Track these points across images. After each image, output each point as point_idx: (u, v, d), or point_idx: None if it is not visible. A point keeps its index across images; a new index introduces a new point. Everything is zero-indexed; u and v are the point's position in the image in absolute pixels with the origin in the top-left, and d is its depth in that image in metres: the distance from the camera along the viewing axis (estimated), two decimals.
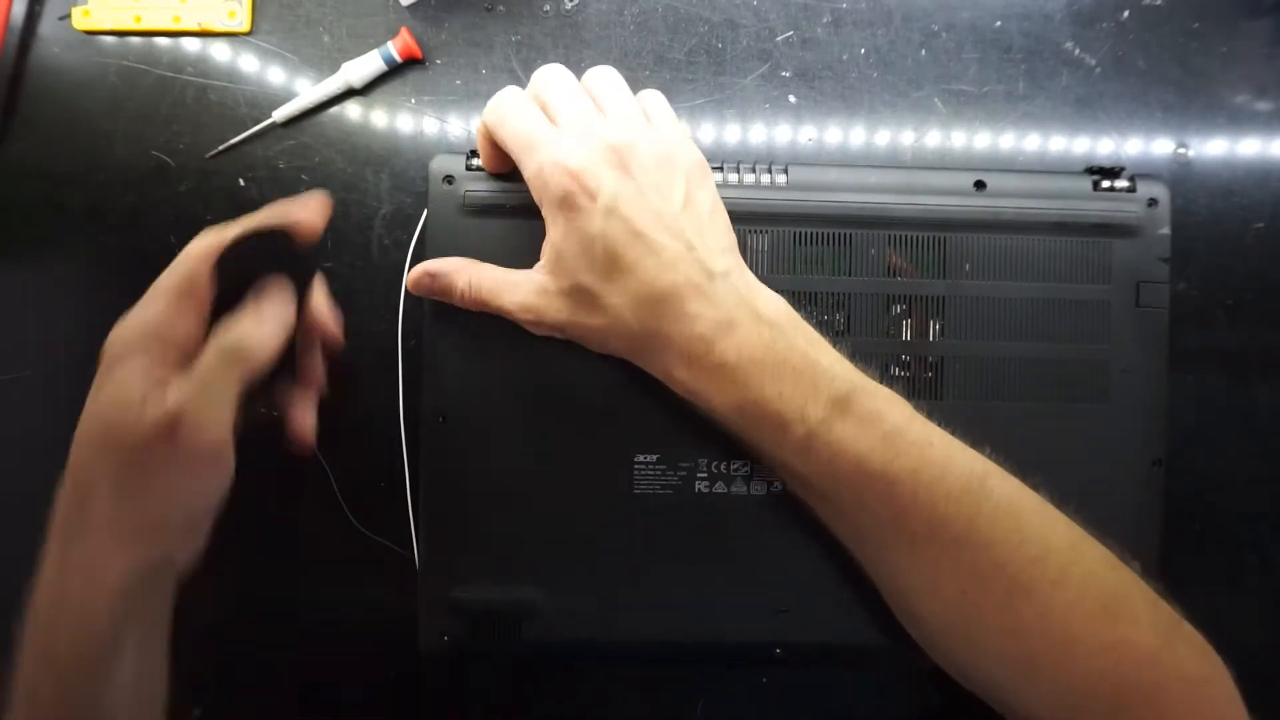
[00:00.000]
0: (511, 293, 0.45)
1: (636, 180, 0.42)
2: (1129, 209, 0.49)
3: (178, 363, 0.42)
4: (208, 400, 0.41)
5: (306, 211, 0.45)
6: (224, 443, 0.41)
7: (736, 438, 0.45)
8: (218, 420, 0.41)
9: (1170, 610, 0.42)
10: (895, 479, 0.41)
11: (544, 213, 0.44)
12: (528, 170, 0.43)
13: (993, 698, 0.44)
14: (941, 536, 0.41)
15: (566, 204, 0.42)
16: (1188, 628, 0.42)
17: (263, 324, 0.42)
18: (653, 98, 0.46)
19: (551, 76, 0.45)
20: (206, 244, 0.44)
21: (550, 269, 0.44)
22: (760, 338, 0.42)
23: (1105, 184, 0.49)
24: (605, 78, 0.46)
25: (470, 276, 0.46)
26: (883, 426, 0.42)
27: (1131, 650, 0.41)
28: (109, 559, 0.41)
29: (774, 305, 0.44)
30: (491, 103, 0.45)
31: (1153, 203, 0.49)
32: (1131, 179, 0.49)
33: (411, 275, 0.47)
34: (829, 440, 0.41)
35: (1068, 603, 0.41)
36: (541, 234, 0.45)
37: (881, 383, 0.44)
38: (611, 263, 0.42)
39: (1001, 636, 0.42)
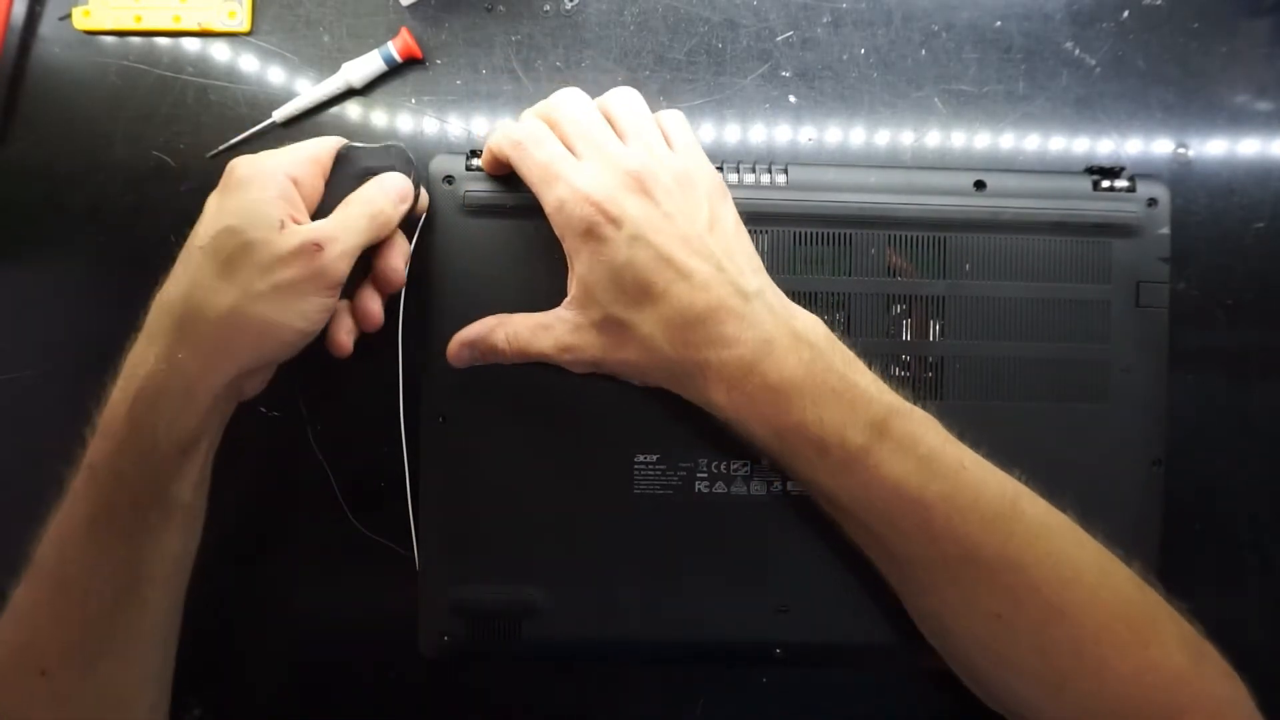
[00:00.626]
0: (545, 336, 0.45)
1: (660, 206, 0.42)
2: (1129, 209, 0.49)
3: (301, 209, 0.45)
4: (345, 241, 0.44)
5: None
6: (340, 284, 0.44)
7: (773, 460, 0.45)
8: (347, 261, 0.44)
9: (1194, 631, 0.42)
10: (931, 504, 0.41)
11: (567, 246, 0.43)
12: (549, 204, 0.43)
13: (1016, 715, 0.44)
14: (976, 560, 0.41)
15: (591, 235, 0.42)
16: (1211, 648, 0.42)
17: (391, 201, 0.46)
18: (672, 119, 0.46)
19: (569, 102, 0.45)
20: (333, 140, 0.47)
21: (579, 304, 0.44)
22: (800, 359, 0.41)
23: (1105, 184, 0.49)
24: (625, 101, 0.45)
25: (506, 331, 0.46)
26: (918, 450, 0.41)
27: (1161, 674, 0.41)
28: (219, 358, 0.43)
29: (811, 325, 0.43)
30: (510, 131, 0.45)
31: (1152, 203, 0.49)
32: (1131, 179, 0.49)
33: (451, 352, 0.47)
34: (867, 465, 0.41)
35: (1099, 625, 0.41)
36: (541, 234, 0.45)
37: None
38: (641, 291, 0.41)
39: (1034, 657, 0.42)
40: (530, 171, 0.44)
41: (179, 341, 0.42)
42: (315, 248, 0.43)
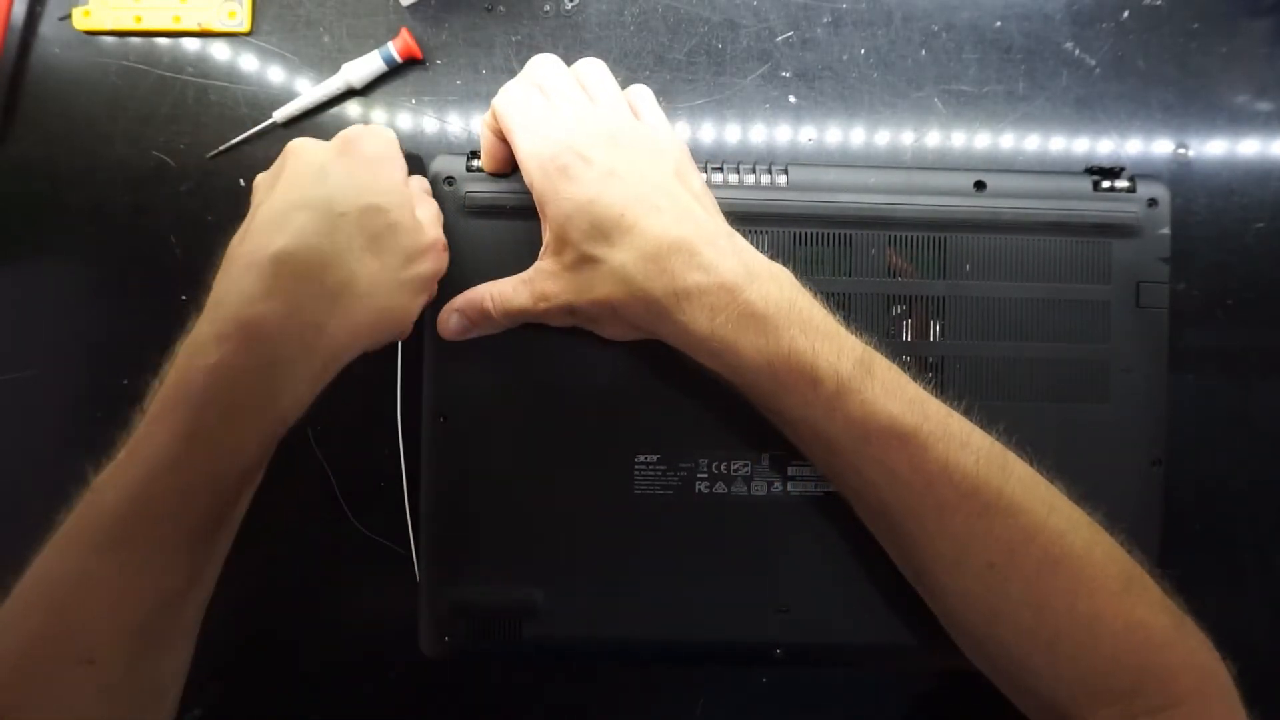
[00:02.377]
0: (523, 289, 0.45)
1: (629, 153, 0.43)
2: (1129, 209, 0.49)
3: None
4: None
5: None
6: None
7: (756, 398, 0.44)
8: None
9: (1174, 602, 0.42)
10: (927, 443, 0.40)
11: (538, 195, 0.44)
12: (523, 150, 0.44)
13: (1009, 678, 0.43)
14: (972, 504, 0.41)
15: (563, 174, 0.42)
16: (1191, 620, 0.42)
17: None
18: (640, 94, 0.47)
19: (546, 65, 0.46)
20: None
21: (553, 250, 0.44)
22: (780, 292, 0.41)
23: (1105, 184, 0.49)
24: (594, 69, 0.46)
25: (492, 292, 0.46)
26: (908, 391, 0.41)
27: (1151, 632, 0.40)
28: (361, 331, 0.43)
29: (782, 270, 0.43)
30: (500, 92, 0.46)
31: (1152, 203, 0.49)
32: (1131, 179, 0.49)
33: (441, 320, 0.47)
34: (861, 398, 0.40)
35: (1093, 578, 0.41)
36: (541, 236, 0.45)
37: None
38: (613, 224, 0.41)
39: (1027, 611, 0.41)
40: (510, 121, 0.44)
41: (314, 304, 0.41)
42: (444, 247, 0.46)
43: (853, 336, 0.42)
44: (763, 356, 0.41)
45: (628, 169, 0.42)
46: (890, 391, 0.41)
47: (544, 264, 0.45)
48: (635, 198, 0.41)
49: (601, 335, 0.46)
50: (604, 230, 0.41)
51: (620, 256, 0.41)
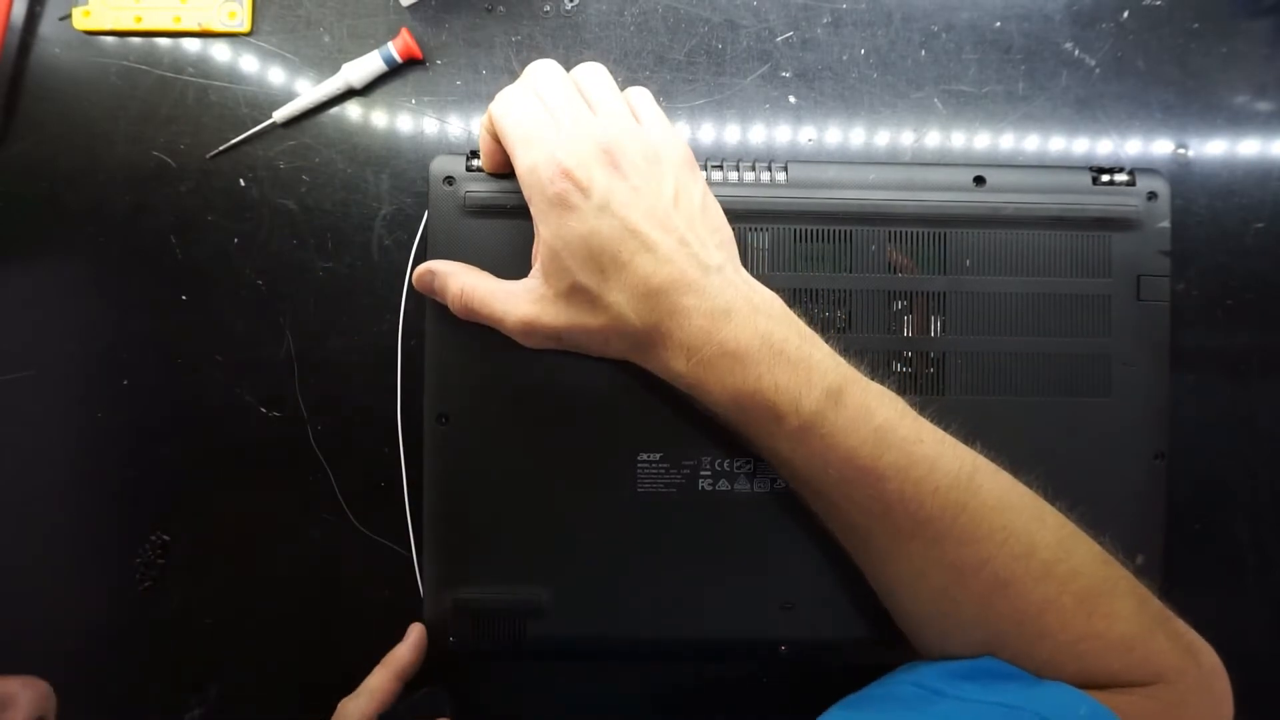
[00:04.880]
0: (506, 301, 0.45)
1: (628, 179, 0.42)
2: (1129, 203, 0.49)
3: None
4: None
5: (408, 650, 0.50)
6: None
7: (733, 429, 0.45)
8: None
9: (1159, 605, 0.43)
10: (883, 475, 0.41)
11: (534, 212, 0.44)
12: (522, 166, 0.43)
13: None
14: (926, 533, 0.42)
15: (560, 202, 0.42)
16: (1177, 624, 0.43)
17: None
18: (639, 95, 0.46)
19: (545, 72, 0.45)
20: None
21: (545, 273, 0.44)
22: (756, 329, 0.42)
23: (1105, 178, 0.49)
24: (593, 74, 0.46)
25: (464, 283, 0.46)
26: (873, 421, 0.42)
27: (1101, 642, 0.41)
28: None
29: (769, 299, 0.44)
30: (499, 96, 0.45)
31: (1152, 196, 0.49)
32: (1131, 173, 0.49)
33: (417, 272, 0.47)
34: (821, 433, 0.41)
35: (1045, 598, 0.41)
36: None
37: (884, 379, 0.44)
38: (609, 260, 0.42)
39: (975, 629, 0.43)
40: (510, 131, 0.44)
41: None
42: None
43: (832, 362, 0.43)
44: (729, 394, 0.42)
45: (625, 199, 0.42)
46: (855, 422, 0.42)
47: (536, 285, 0.45)
48: (629, 233, 0.42)
49: (584, 354, 0.47)
50: (599, 265, 0.42)
51: (614, 295, 0.42)
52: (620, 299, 0.42)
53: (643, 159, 0.43)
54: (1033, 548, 0.42)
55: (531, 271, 0.45)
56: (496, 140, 0.46)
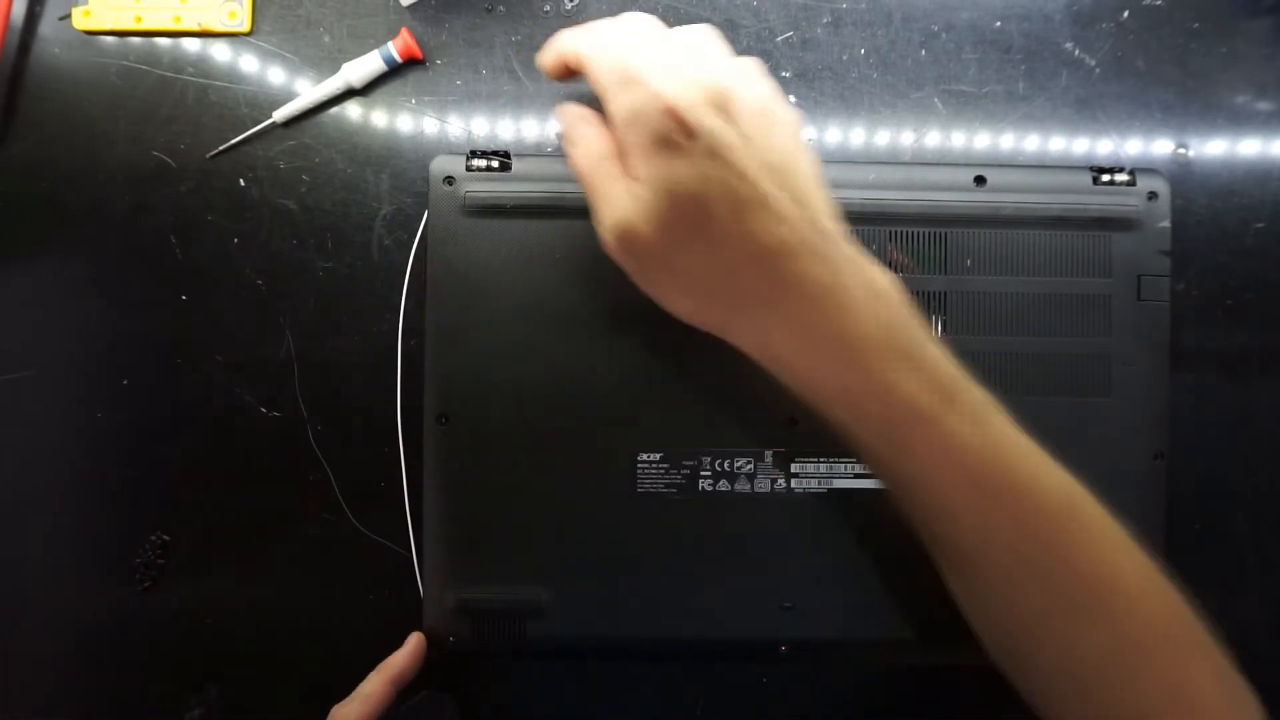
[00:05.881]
0: (611, 188, 0.40)
1: (740, 126, 0.38)
2: (1129, 202, 0.49)
3: None
4: None
5: (405, 657, 0.49)
6: None
7: (830, 421, 0.41)
8: None
9: (1230, 665, 0.41)
10: (990, 486, 0.39)
11: (636, 158, 0.39)
12: (620, 108, 0.39)
13: (1047, 711, 0.43)
14: (1028, 550, 0.40)
15: (663, 145, 0.37)
16: (1244, 687, 0.41)
17: None
18: (752, 63, 0.41)
19: (644, 18, 0.41)
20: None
21: (653, 188, 0.39)
22: (875, 314, 0.38)
23: (1105, 178, 0.49)
24: (703, 30, 0.41)
25: (589, 148, 0.41)
26: (987, 429, 0.39)
27: (1187, 696, 0.40)
28: None
29: (886, 280, 0.40)
30: (584, 32, 0.41)
31: (1153, 196, 0.49)
32: (1131, 172, 0.49)
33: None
34: (934, 439, 0.39)
35: (1137, 635, 0.40)
36: (542, 236, 0.45)
37: None
38: (717, 208, 0.38)
39: (1069, 659, 0.40)
40: (604, 72, 0.39)
41: None
42: None
43: (946, 360, 0.40)
44: (840, 385, 0.39)
45: (736, 145, 0.37)
46: (968, 428, 0.39)
47: (643, 190, 0.39)
48: (740, 181, 0.37)
49: (665, 308, 0.42)
50: (705, 215, 0.38)
51: (716, 247, 0.38)
52: (723, 254, 0.38)
53: (757, 111, 0.39)
54: (1125, 580, 0.40)
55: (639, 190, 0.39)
56: (564, 71, 0.42)
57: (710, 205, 0.37)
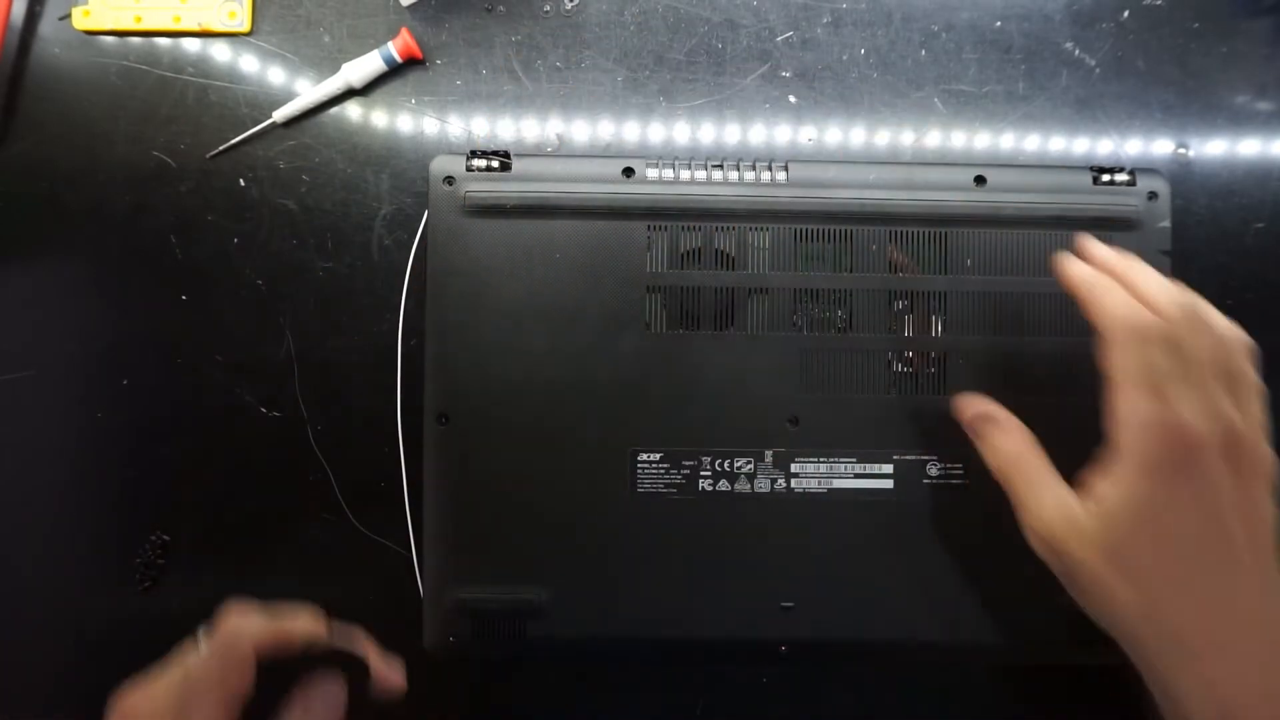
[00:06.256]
0: (1045, 495, 0.41)
1: (1241, 481, 0.37)
2: (1129, 202, 0.49)
3: None
4: None
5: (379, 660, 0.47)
6: None
7: None
8: None
9: None
10: None
11: (1122, 455, 0.38)
12: (1132, 410, 0.38)
13: None
14: None
15: (1160, 470, 0.37)
16: None
17: None
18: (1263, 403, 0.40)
19: (1200, 328, 0.40)
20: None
21: (1112, 520, 0.38)
22: None
23: (1105, 178, 0.49)
24: (1243, 362, 0.40)
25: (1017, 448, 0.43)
26: None
27: None
28: None
29: None
30: (1128, 305, 0.40)
31: (1153, 196, 0.49)
32: (1131, 172, 0.49)
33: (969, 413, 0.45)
34: None
35: None
36: (542, 236, 0.45)
37: (885, 378, 0.42)
38: (1185, 553, 0.37)
39: None
40: (1129, 362, 0.38)
41: None
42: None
43: None
44: None
45: (1234, 500, 0.37)
46: None
47: (1097, 510, 0.39)
48: (1221, 538, 0.37)
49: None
50: (1168, 553, 0.37)
51: (1164, 587, 0.37)
52: (1168, 594, 0.37)
53: (1258, 468, 0.38)
54: None
55: (1098, 496, 0.39)
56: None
57: (1182, 545, 0.37)
